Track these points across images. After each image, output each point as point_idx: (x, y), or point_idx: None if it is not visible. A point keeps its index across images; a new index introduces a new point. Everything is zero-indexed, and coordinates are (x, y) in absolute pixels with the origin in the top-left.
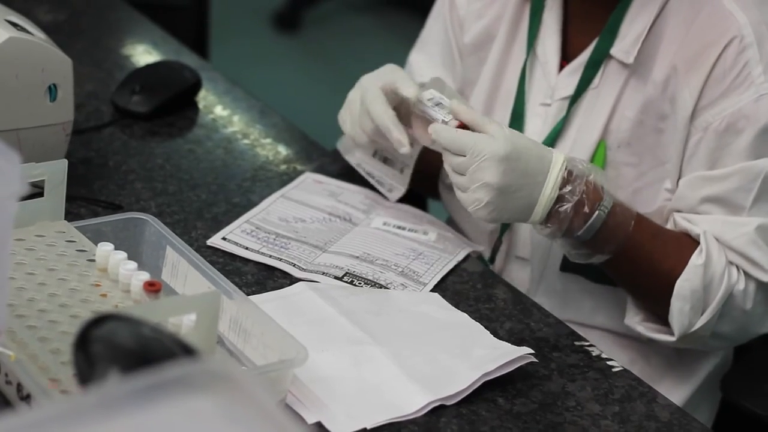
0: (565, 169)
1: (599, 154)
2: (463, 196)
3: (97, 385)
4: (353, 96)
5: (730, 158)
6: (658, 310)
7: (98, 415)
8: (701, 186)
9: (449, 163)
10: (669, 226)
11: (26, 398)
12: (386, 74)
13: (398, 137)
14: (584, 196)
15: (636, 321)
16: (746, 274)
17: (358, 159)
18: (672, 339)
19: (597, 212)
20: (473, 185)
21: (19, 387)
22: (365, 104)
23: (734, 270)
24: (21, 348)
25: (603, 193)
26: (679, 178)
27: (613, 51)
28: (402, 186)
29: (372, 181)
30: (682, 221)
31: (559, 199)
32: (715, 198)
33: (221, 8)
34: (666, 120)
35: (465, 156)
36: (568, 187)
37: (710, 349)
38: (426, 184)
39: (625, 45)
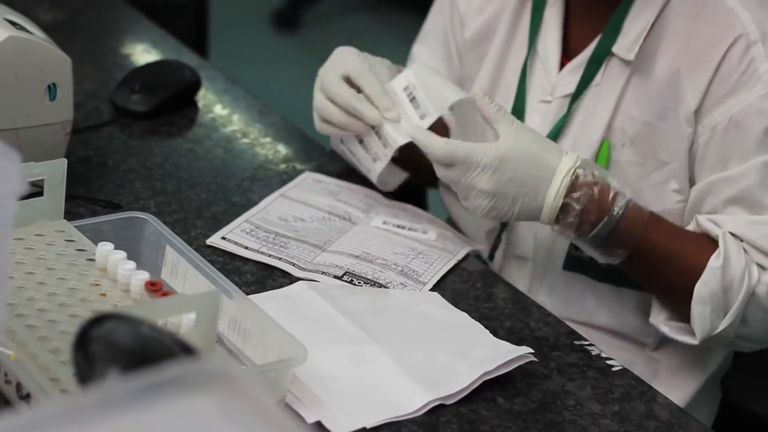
0: (573, 175)
1: (603, 153)
2: (465, 204)
3: (96, 384)
4: (316, 93)
5: (741, 156)
6: (680, 308)
7: (97, 415)
8: (720, 189)
9: (440, 174)
10: (691, 227)
11: (26, 398)
12: (343, 62)
13: (370, 114)
14: (590, 204)
15: (660, 320)
16: None
17: (341, 142)
18: (694, 342)
19: (605, 218)
20: (470, 194)
21: (19, 386)
22: (326, 92)
23: (755, 269)
24: (20, 347)
25: (615, 197)
26: (691, 181)
27: (615, 48)
28: (386, 156)
29: (354, 160)
30: (705, 222)
31: (564, 208)
32: (735, 198)
33: (221, 7)
34: (668, 119)
35: (453, 168)
36: (575, 195)
37: (738, 348)
38: (422, 177)
39: (627, 42)
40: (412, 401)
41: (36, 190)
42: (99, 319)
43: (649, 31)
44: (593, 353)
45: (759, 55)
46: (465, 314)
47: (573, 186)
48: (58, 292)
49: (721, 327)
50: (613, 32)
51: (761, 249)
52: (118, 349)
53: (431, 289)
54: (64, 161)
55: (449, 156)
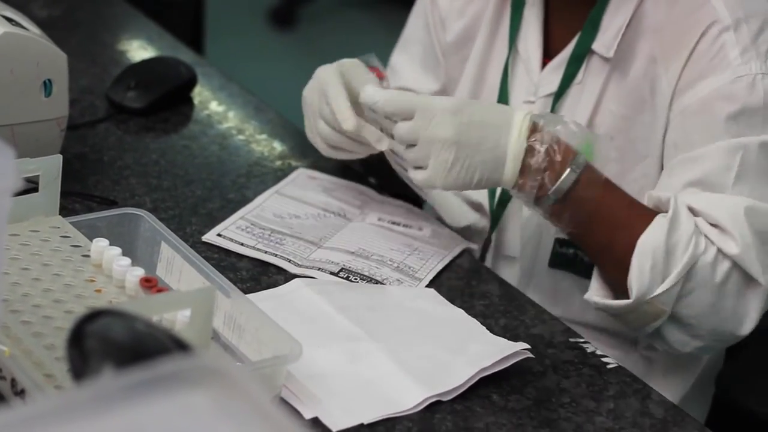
0: (530, 120)
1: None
2: (421, 175)
3: (90, 380)
4: (308, 91)
5: (706, 139)
6: (624, 279)
7: (92, 411)
8: (681, 170)
9: (399, 133)
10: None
11: (20, 393)
12: (345, 64)
13: (345, 112)
14: (554, 146)
15: (595, 294)
16: (720, 251)
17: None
18: (628, 301)
19: (569, 168)
20: (432, 149)
21: (14, 382)
22: (323, 88)
23: (703, 240)
24: (15, 343)
25: (574, 150)
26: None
27: (595, 46)
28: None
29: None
30: (656, 192)
31: (529, 150)
32: (696, 181)
33: (217, 4)
34: (646, 111)
35: (414, 118)
36: (536, 135)
37: (674, 345)
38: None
39: (606, 39)
40: (409, 397)
41: (31, 186)
42: (94, 315)
43: (627, 27)
44: (588, 350)
45: (730, 41)
46: (461, 311)
47: (532, 129)
48: (53, 288)
49: (658, 290)
50: (591, 29)
51: (713, 221)
52: (112, 345)
53: (427, 286)
54: (60, 157)
55: (408, 104)
